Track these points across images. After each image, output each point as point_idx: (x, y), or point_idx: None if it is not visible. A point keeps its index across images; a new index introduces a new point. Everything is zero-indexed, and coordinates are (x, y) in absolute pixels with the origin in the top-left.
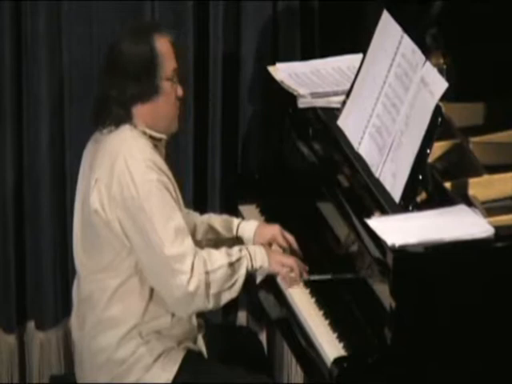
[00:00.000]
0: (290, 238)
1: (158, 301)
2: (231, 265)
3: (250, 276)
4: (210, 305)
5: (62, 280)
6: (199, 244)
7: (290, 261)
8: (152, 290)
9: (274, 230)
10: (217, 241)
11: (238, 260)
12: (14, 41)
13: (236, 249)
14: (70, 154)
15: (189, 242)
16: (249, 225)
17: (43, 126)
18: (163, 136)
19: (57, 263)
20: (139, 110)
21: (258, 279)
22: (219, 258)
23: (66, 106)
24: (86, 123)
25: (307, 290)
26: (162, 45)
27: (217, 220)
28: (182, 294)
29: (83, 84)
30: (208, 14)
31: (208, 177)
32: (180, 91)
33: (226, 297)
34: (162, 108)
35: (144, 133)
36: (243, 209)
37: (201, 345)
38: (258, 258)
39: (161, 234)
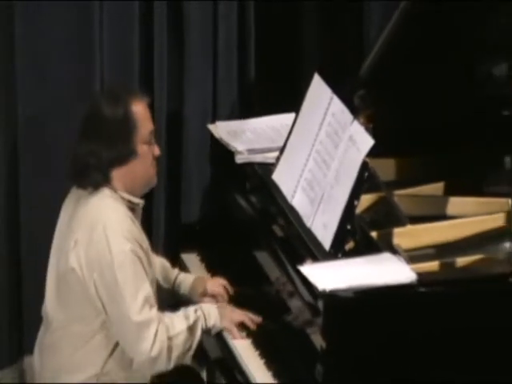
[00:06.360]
0: (223, 282)
1: (117, 357)
2: (190, 328)
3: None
4: (171, 365)
5: (16, 320)
6: None
7: (241, 317)
8: (114, 347)
9: (208, 280)
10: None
11: (195, 322)
12: None
13: (192, 310)
14: (24, 208)
15: (154, 310)
16: (186, 278)
17: None
18: (141, 201)
19: (13, 305)
20: (117, 173)
21: (213, 332)
22: (179, 322)
23: (21, 160)
24: (40, 178)
25: (244, 333)
26: (139, 108)
27: (156, 266)
28: (145, 359)
29: (38, 138)
30: (152, 72)
31: (153, 227)
32: (157, 151)
33: (185, 356)
34: (140, 170)
35: (122, 198)
36: (185, 257)
37: None
38: (212, 318)
39: (130, 303)
